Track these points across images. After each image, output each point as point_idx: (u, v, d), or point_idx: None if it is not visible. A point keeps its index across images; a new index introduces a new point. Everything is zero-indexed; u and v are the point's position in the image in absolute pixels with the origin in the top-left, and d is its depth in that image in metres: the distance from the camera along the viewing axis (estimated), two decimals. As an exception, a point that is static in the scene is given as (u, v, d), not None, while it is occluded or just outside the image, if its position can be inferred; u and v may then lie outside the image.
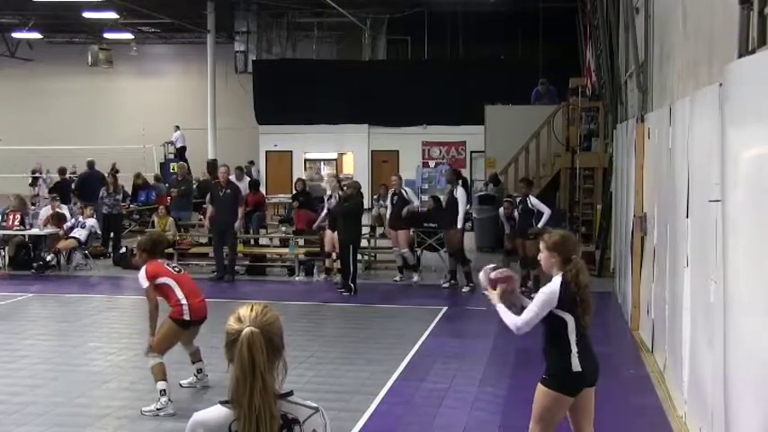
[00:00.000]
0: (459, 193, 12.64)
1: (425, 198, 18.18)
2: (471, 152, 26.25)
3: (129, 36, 30.32)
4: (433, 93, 25.42)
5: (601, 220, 14.74)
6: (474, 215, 16.88)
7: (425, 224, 14.13)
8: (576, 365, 4.61)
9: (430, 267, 14.26)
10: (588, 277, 4.68)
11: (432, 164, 26.45)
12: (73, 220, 15.05)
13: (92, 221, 14.91)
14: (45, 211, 15.76)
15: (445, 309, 11.08)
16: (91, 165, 18.63)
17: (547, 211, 12.18)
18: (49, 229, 14.90)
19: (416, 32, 27.87)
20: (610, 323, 10.13)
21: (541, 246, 4.78)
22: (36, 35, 30.48)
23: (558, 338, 4.63)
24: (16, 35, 30.76)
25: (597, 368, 4.78)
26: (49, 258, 14.39)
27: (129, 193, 21.37)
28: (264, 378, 2.33)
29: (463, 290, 12.30)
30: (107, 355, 8.79)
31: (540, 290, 4.73)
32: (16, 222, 14.78)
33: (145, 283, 6.86)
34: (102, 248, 16.07)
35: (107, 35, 30.10)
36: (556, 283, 4.64)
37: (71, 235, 14.66)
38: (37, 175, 26.89)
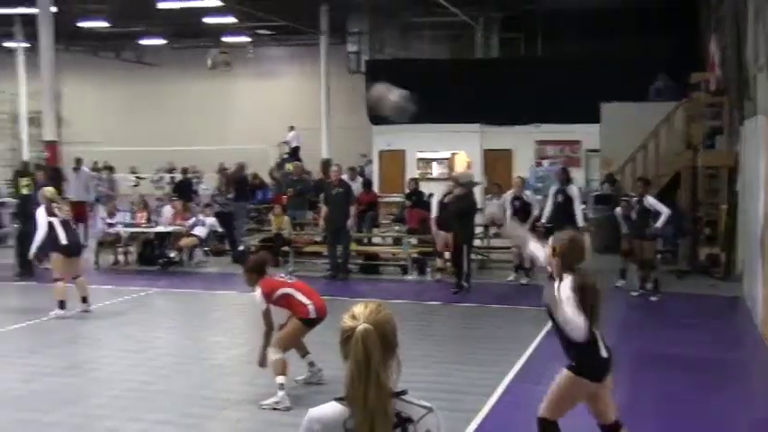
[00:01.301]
0: (575, 192, 12.33)
1: (539, 197, 17.84)
2: (587, 151, 25.59)
3: (246, 39, 31.27)
4: (547, 91, 24.88)
5: (726, 221, 14.06)
6: (590, 215, 16.45)
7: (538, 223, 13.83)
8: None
9: (544, 267, 13.96)
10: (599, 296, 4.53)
11: (546, 163, 25.94)
12: (194, 219, 15.69)
13: (212, 220, 15.51)
14: (167, 210, 16.47)
15: (560, 310, 10.81)
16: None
17: (665, 212, 11.73)
18: (174, 227, 15.59)
19: (530, 30, 27.42)
20: (738, 329, 9.60)
21: (548, 249, 4.67)
22: (161, 41, 31.90)
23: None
24: (143, 42, 32.31)
25: None
26: (172, 255, 15.07)
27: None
28: (379, 375, 2.32)
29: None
30: (228, 350, 9.11)
31: (565, 289, 4.63)
32: (143, 220, 15.59)
33: (263, 305, 6.97)
34: (222, 246, 16.69)
35: (225, 39, 31.15)
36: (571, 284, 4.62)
37: (192, 233, 15.28)
38: (174, 174, 27.62)
